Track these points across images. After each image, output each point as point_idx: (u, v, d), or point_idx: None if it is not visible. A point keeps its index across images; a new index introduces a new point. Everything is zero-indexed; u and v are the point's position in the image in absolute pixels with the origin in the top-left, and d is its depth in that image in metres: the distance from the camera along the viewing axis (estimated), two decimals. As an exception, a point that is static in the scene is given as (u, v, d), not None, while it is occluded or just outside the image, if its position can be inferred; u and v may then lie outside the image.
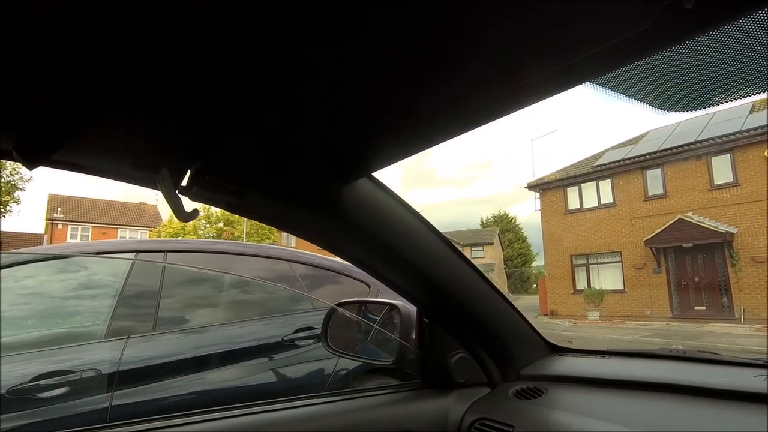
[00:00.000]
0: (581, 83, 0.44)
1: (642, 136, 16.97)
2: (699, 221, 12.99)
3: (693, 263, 13.49)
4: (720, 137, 12.86)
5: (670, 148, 14.03)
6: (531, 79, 0.44)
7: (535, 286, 25.49)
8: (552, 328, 12.56)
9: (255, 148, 0.63)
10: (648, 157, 14.57)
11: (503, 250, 35.34)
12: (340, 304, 1.39)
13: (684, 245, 13.22)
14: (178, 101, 0.51)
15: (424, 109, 0.54)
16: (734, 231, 12.53)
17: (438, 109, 0.54)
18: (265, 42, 0.43)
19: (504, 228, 37.94)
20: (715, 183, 13.23)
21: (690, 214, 13.23)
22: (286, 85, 0.50)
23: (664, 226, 13.47)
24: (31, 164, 0.49)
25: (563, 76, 0.44)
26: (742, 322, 11.75)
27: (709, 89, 0.44)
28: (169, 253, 2.57)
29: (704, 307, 13.11)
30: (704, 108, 0.47)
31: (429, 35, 0.42)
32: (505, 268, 33.63)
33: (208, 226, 20.00)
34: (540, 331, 1.30)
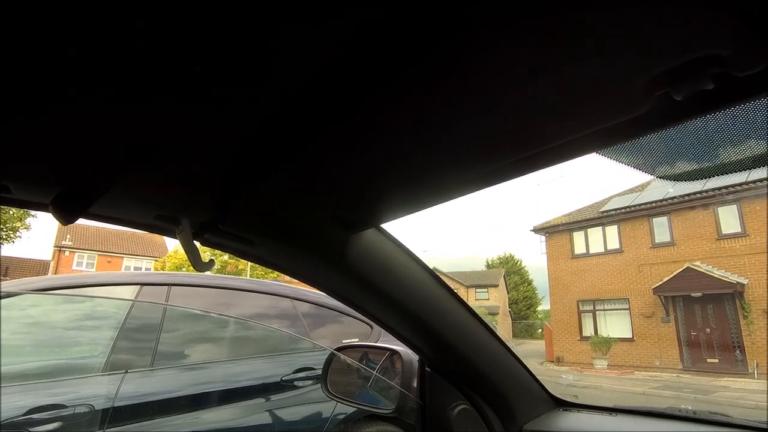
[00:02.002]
0: (584, 155, 0.47)
1: (648, 183, 17.05)
2: (708, 270, 12.80)
3: (703, 313, 13.17)
4: (726, 188, 12.90)
5: (676, 197, 14.05)
6: (537, 150, 0.47)
7: (540, 330, 24.89)
8: (557, 379, 12.15)
9: (268, 200, 0.66)
10: (653, 204, 14.57)
11: (508, 293, 34.78)
12: (341, 348, 1.38)
13: (693, 294, 12.96)
14: (206, 161, 0.54)
15: (434, 170, 0.57)
16: (744, 282, 12.30)
17: (447, 170, 0.56)
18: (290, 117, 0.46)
19: (509, 270, 37.51)
20: (723, 233, 13.14)
21: (698, 263, 13.06)
22: (303, 142, 0.53)
23: (672, 275, 13.27)
24: (65, 218, 0.52)
25: (568, 149, 0.47)
26: (756, 378, 11.31)
27: (700, 163, 0.47)
28: (172, 287, 2.57)
29: (717, 360, 12.67)
30: (694, 180, 0.49)
31: (444, 106, 0.45)
32: (510, 312, 32.98)
33: (213, 258, 20.01)
34: (545, 381, 1.27)
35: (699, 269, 12.90)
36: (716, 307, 12.89)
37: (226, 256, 19.59)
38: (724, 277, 12.47)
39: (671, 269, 13.44)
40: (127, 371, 2.07)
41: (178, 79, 0.40)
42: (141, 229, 0.67)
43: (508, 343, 1.16)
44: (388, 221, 0.75)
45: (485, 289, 31.33)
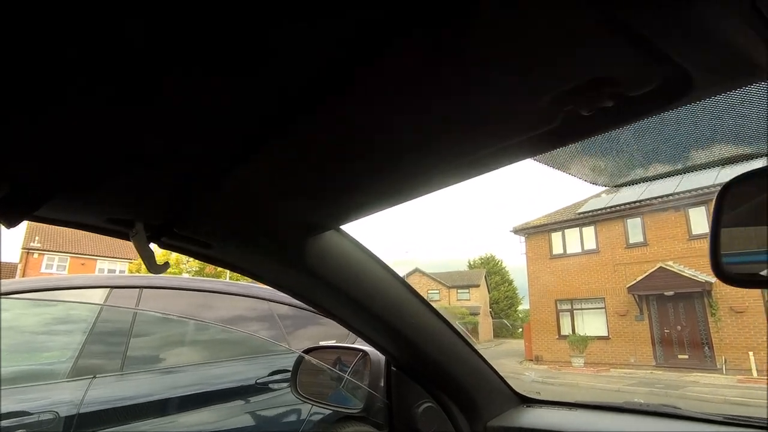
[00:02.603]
0: (521, 160, 0.51)
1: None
2: (679, 270, 13.22)
3: (675, 311, 13.60)
4: (695, 190, 13.35)
5: (649, 199, 14.47)
6: (476, 154, 0.50)
7: (520, 330, 25.26)
8: (536, 376, 12.36)
9: (225, 203, 0.67)
10: (628, 206, 14.97)
11: (489, 293, 35.18)
12: (310, 350, 1.39)
13: (665, 293, 13.38)
14: (158, 163, 0.55)
15: (388, 173, 0.59)
16: (712, 281, 12.73)
17: (398, 173, 0.58)
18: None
19: (491, 270, 37.95)
20: (693, 233, 13.58)
21: (670, 262, 13.47)
22: (258, 144, 0.54)
23: (646, 274, 13.66)
24: (9, 222, 0.51)
25: (504, 154, 0.51)
26: (724, 373, 11.73)
27: (628, 169, 0.50)
28: (144, 290, 2.53)
29: (687, 356, 13.09)
30: (616, 186, 0.53)
31: (388, 113, 0.47)
32: (490, 311, 33.37)
33: (191, 259, 19.65)
34: (517, 379, 1.31)
35: (671, 269, 13.31)
36: (687, 306, 13.33)
37: (204, 258, 19.25)
38: (694, 276, 12.89)
39: (645, 269, 13.83)
40: (95, 376, 2.03)
41: (125, 79, 0.40)
42: (92, 232, 0.67)
43: (471, 342, 1.18)
44: (347, 223, 0.77)
45: (467, 290, 31.64)
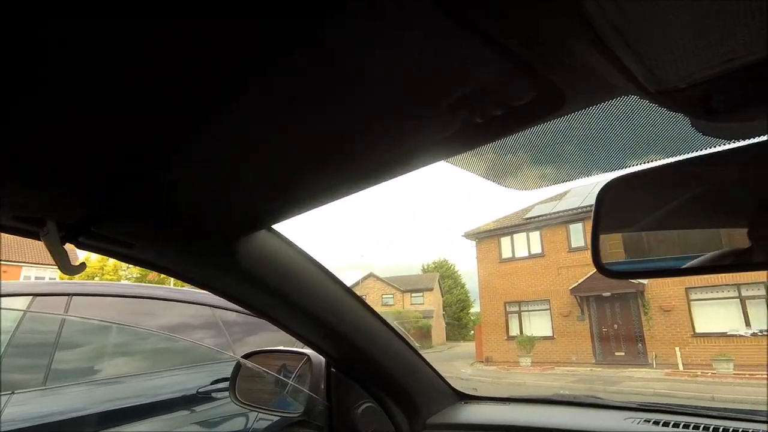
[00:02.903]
0: (436, 161, 0.54)
1: (566, 192, 18.51)
2: (615, 272, 14.13)
3: (612, 311, 14.51)
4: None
5: (590, 205, 15.37)
6: (393, 153, 0.53)
7: (472, 332, 25.93)
8: (488, 376, 12.73)
9: (146, 200, 0.64)
10: (570, 212, 15.85)
11: (443, 296, 35.84)
12: (250, 355, 1.36)
13: (603, 294, 14.25)
14: (68, 158, 0.52)
15: (318, 168, 0.60)
16: (645, 282, 13.73)
17: (329, 168, 0.60)
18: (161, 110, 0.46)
19: (444, 274, 38.69)
20: (628, 237, 14.55)
21: (608, 265, 14.37)
22: (178, 140, 0.53)
23: (586, 276, 14.47)
24: None
25: (418, 155, 0.54)
26: (655, 367, 12.64)
27: (527, 174, 0.55)
28: (74, 297, 2.37)
29: (623, 353, 13.99)
30: (527, 189, 0.57)
31: (307, 113, 0.48)
32: (443, 315, 33.99)
33: (131, 266, 18.52)
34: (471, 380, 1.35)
35: (608, 271, 14.20)
36: (622, 305, 14.26)
37: (147, 265, 18.24)
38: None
39: (585, 271, 14.64)
40: (13, 392, 1.87)
41: (30, 69, 0.39)
42: (1, 231, 0.62)
43: (409, 340, 1.21)
44: (280, 221, 0.76)
45: (420, 294, 32.04)
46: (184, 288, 3.97)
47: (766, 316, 11.73)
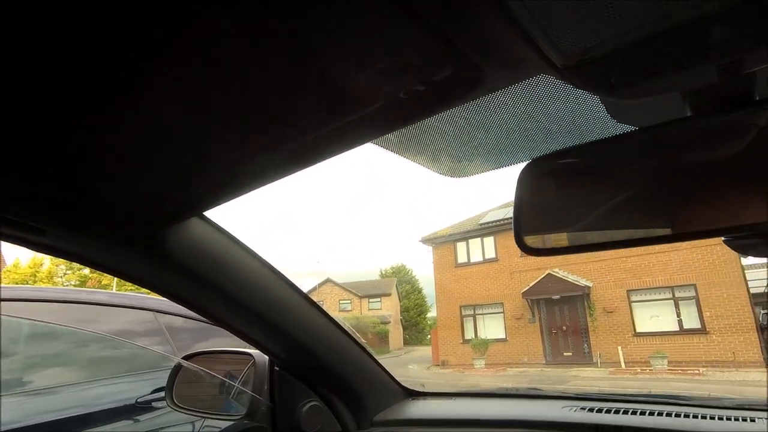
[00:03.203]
0: (365, 142, 0.54)
1: (518, 199, 19.17)
2: (564, 276, 14.81)
3: (561, 314, 15.17)
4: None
5: (540, 211, 16.04)
6: (318, 134, 0.52)
7: (429, 337, 26.22)
8: (444, 378, 12.91)
9: (60, 181, 0.59)
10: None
11: (400, 301, 36.04)
12: (190, 356, 1.30)
13: (553, 297, 14.89)
14: None
15: (247, 150, 0.58)
16: (590, 285, 14.50)
17: (259, 150, 0.58)
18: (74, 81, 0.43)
19: (401, 279, 38.94)
20: (575, 242, 15.31)
21: (557, 269, 15.03)
22: (93, 117, 0.50)
23: (537, 280, 15.08)
24: None
25: (343, 135, 0.54)
26: (600, 366, 13.32)
27: (462, 161, 0.56)
28: (1, 303, 2.17)
29: (571, 353, 14.65)
30: (464, 176, 0.59)
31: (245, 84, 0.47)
32: (401, 320, 34.17)
33: (69, 272, 17.25)
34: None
35: (557, 275, 14.86)
36: (570, 308, 14.95)
37: (87, 270, 17.07)
38: (576, 281, 14.55)
39: (536, 275, 15.26)
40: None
41: None
42: None
43: (356, 338, 1.20)
44: (211, 207, 0.73)
45: (378, 299, 32.07)
46: (128, 293, 3.75)
47: (697, 315, 12.69)
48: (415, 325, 36.64)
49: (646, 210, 0.48)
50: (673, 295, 13.36)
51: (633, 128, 0.47)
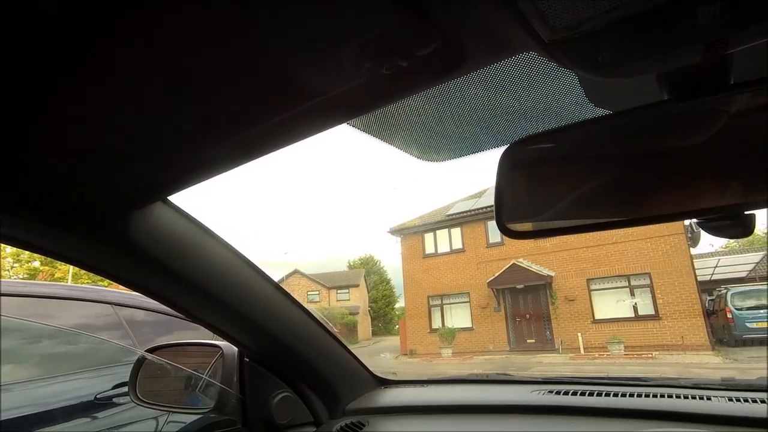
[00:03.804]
0: (339, 122, 0.52)
1: (485, 190, 19.59)
2: (528, 266, 15.29)
3: (525, 302, 15.67)
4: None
5: (506, 203, 16.44)
6: (290, 114, 0.50)
7: (397, 327, 26.51)
8: (411, 368, 13.10)
9: (11, 162, 0.55)
10: (488, 209, 16.84)
11: (369, 292, 36.19)
12: (155, 349, 1.25)
13: (517, 286, 15.35)
14: None
15: (212, 135, 0.55)
16: (553, 274, 15.03)
17: (227, 131, 0.55)
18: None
19: (370, 270, 39.07)
20: (539, 233, 15.80)
21: (521, 259, 15.48)
22: (44, 90, 0.46)
23: (502, 270, 15.49)
24: None
25: (318, 114, 0.52)
26: (561, 352, 13.88)
27: (441, 144, 0.56)
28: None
29: (534, 340, 15.18)
30: (442, 160, 0.58)
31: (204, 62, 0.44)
32: (369, 310, 34.35)
33: (16, 265, 16.23)
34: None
35: (521, 265, 15.32)
36: (533, 297, 15.46)
37: (36, 262, 16.09)
38: (539, 271, 15.04)
39: (501, 266, 15.66)
40: None
41: None
42: None
43: (327, 326, 1.19)
44: (176, 192, 0.69)
45: (346, 290, 32.08)
46: (85, 285, 3.56)
47: (651, 302, 13.41)
48: (383, 315, 36.92)
49: (624, 193, 0.49)
50: (629, 283, 14.04)
51: (609, 112, 0.47)
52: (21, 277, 15.68)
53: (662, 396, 1.01)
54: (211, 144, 0.57)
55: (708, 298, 14.22)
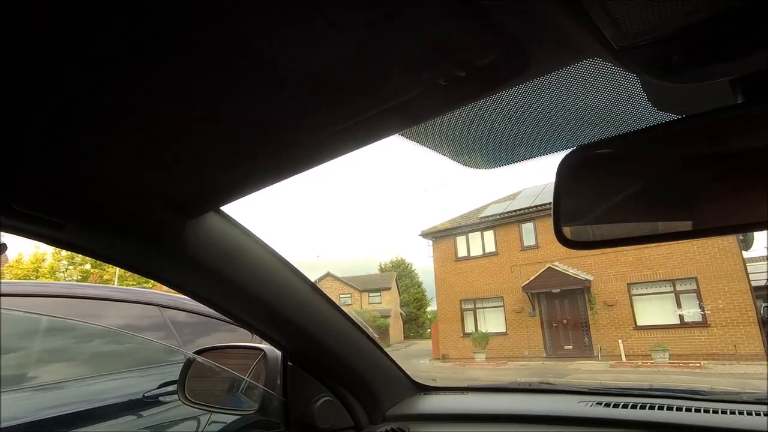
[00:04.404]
0: (391, 133, 0.52)
1: (519, 192, 19.18)
2: (564, 269, 14.83)
3: (561, 307, 15.20)
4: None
5: (540, 205, 16.06)
6: (344, 125, 0.50)
7: (429, 331, 26.30)
8: (443, 372, 12.96)
9: (79, 175, 0.58)
10: (522, 212, 16.47)
11: (400, 296, 36.11)
12: (201, 351, 1.29)
13: (553, 291, 14.91)
14: None
15: (265, 147, 0.56)
16: (591, 278, 14.51)
17: (277, 146, 0.56)
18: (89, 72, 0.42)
19: (401, 273, 38.99)
20: (576, 236, 15.29)
21: (557, 263, 15.04)
22: (110, 114, 0.48)
23: (537, 274, 15.09)
24: None
25: (371, 126, 0.51)
26: (600, 359, 13.37)
27: (493, 151, 0.55)
28: (3, 298, 2.16)
29: (571, 347, 14.70)
30: (493, 167, 0.57)
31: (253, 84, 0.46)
32: (401, 313, 34.26)
33: (71, 267, 17.23)
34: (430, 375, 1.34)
35: (557, 269, 14.87)
36: (570, 301, 14.97)
37: (87, 265, 17.03)
38: (576, 275, 14.56)
39: (536, 269, 15.27)
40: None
41: None
42: None
43: (368, 331, 1.19)
44: (228, 202, 0.72)
45: (378, 293, 32.15)
46: (131, 288, 3.74)
47: (698, 308, 12.71)
48: (414, 319, 36.73)
49: (693, 201, 0.46)
50: (674, 288, 13.37)
51: (674, 116, 0.45)
52: (75, 278, 16.64)
53: (724, 412, 0.95)
54: (265, 156, 0.59)
55: (763, 304, 13.32)
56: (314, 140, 0.54)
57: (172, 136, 0.55)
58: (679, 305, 13.21)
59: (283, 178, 0.63)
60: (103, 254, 0.71)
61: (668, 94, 0.47)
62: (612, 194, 0.50)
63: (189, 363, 1.27)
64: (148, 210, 0.68)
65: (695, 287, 12.94)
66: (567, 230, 0.50)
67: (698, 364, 11.46)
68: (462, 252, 17.84)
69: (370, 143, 0.54)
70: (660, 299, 13.59)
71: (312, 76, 0.44)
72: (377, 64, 0.43)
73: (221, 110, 0.51)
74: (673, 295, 13.40)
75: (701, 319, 12.64)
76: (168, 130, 0.53)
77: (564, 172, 0.50)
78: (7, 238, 0.62)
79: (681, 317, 13.04)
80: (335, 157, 0.58)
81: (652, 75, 0.40)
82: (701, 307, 12.61)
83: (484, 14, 0.36)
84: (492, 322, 16.62)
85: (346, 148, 0.56)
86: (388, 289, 32.72)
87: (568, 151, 0.49)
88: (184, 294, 0.89)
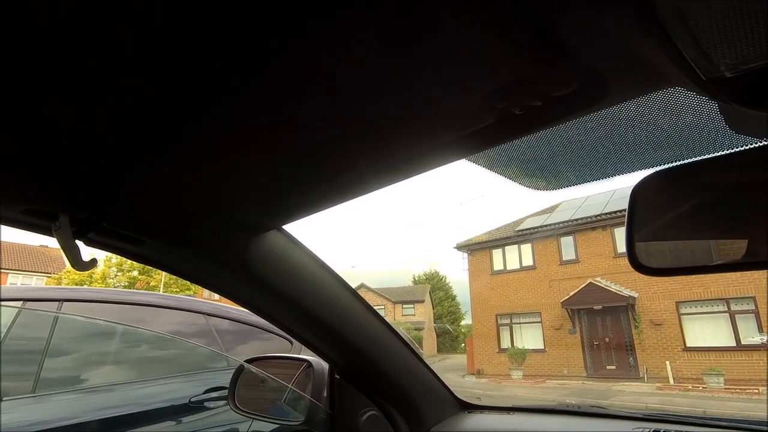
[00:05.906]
0: (461, 158, 0.53)
1: (557, 205, 18.65)
2: (606, 285, 14.21)
3: (603, 324, 14.53)
4: (621, 211, 14.50)
5: (580, 219, 15.54)
6: (412, 151, 0.52)
7: (463, 345, 25.78)
8: (468, 386, 12.65)
9: (157, 197, 0.63)
10: (561, 225, 15.97)
11: (434, 308, 35.68)
12: (251, 360, 1.33)
13: (595, 307, 14.29)
14: (77, 145, 0.51)
15: (331, 168, 0.59)
16: (635, 295, 13.82)
17: (342, 169, 0.59)
18: (173, 94, 0.45)
19: (435, 286, 38.57)
20: (618, 251, 14.69)
21: (599, 278, 14.45)
22: (188, 134, 0.52)
23: (577, 289, 14.53)
24: None
25: (441, 152, 0.53)
26: (646, 381, 12.65)
27: (562, 173, 0.55)
28: (64, 303, 2.32)
29: (614, 367, 13.99)
30: (558, 189, 0.57)
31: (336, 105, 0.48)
32: (435, 327, 33.81)
33: (119, 274, 18.18)
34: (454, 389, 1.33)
35: (599, 284, 14.27)
36: (613, 319, 14.30)
37: (135, 272, 17.92)
38: (619, 291, 13.91)
39: (576, 284, 14.71)
40: (2, 399, 1.81)
41: (32, 55, 0.37)
42: (11, 226, 0.60)
43: (414, 347, 1.19)
44: (291, 221, 0.75)
45: (411, 305, 31.89)
46: (177, 295, 3.89)
47: (758, 330, 11.83)
48: (448, 332, 36.13)
49: None
50: (729, 307, 12.52)
51: (755, 140, 0.44)
52: (123, 284, 17.54)
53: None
54: (326, 180, 0.61)
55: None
56: (380, 165, 0.56)
57: (240, 161, 0.58)
58: (734, 326, 12.35)
59: (343, 201, 0.66)
60: (174, 268, 0.77)
61: (749, 117, 0.46)
62: (690, 220, 0.49)
63: (239, 371, 1.31)
64: (217, 229, 0.73)
65: (753, 307, 12.07)
66: (641, 255, 0.50)
67: (756, 390, 10.62)
68: (498, 265, 17.47)
69: (436, 168, 0.56)
70: (712, 319, 12.75)
71: (386, 105, 0.46)
72: (453, 94, 0.45)
73: (287, 139, 0.54)
74: (727, 314, 12.55)
75: (760, 342, 11.75)
76: (236, 156, 0.57)
77: (639, 197, 0.50)
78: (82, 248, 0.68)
79: (737, 339, 12.18)
80: (397, 182, 0.59)
81: (743, 106, 0.39)
82: (761, 330, 11.73)
83: (568, 50, 0.37)
84: (529, 338, 16.10)
85: (410, 173, 0.58)
86: (422, 301, 32.41)
87: (638, 173, 0.49)
88: (243, 306, 0.93)
